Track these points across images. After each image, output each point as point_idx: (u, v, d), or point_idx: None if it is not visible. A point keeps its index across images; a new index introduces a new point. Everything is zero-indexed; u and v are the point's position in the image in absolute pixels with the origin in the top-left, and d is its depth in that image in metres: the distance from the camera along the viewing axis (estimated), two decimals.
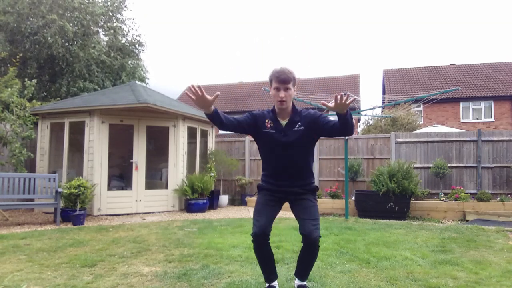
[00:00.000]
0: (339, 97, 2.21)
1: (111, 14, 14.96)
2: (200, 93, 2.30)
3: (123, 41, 15.71)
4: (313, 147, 2.79)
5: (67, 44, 12.90)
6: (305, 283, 2.87)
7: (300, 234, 2.60)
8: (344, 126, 2.40)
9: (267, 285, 2.83)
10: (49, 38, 11.70)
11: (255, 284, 3.16)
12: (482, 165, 8.96)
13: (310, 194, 2.75)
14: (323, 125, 2.57)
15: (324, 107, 2.36)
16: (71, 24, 12.44)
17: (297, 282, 2.88)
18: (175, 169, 8.78)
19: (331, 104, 2.28)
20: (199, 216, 7.96)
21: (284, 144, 2.64)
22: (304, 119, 2.66)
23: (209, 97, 2.34)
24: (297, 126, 2.64)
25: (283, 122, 2.68)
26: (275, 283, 2.83)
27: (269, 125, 2.67)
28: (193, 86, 2.27)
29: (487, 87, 20.88)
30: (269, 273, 2.79)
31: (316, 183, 10.85)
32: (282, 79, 2.55)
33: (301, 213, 2.65)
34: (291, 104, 2.69)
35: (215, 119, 2.50)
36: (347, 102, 2.23)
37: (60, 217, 6.79)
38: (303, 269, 2.80)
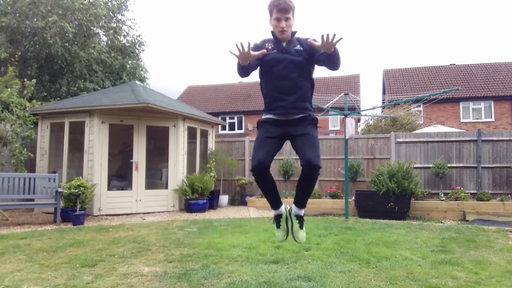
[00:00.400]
0: (325, 36, 2.28)
1: (112, 14, 14.97)
2: (246, 50, 2.40)
3: (123, 41, 15.71)
4: (311, 72, 2.78)
5: (67, 44, 12.90)
6: (302, 212, 2.81)
7: (301, 165, 2.58)
8: (330, 61, 2.50)
9: (275, 212, 2.80)
10: (49, 38, 11.70)
11: (255, 284, 3.16)
12: (482, 165, 8.96)
13: (311, 126, 2.71)
14: (317, 53, 2.61)
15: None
16: (71, 25, 12.43)
17: (295, 209, 2.82)
18: (175, 169, 8.77)
19: (318, 43, 2.35)
20: (199, 216, 7.96)
21: (284, 60, 2.63)
22: (303, 42, 2.68)
23: (253, 53, 2.46)
24: (297, 46, 2.67)
25: (284, 42, 2.71)
26: (282, 209, 2.81)
27: (269, 47, 2.69)
28: (240, 43, 2.38)
29: (487, 87, 20.88)
30: (273, 200, 2.77)
31: (316, 183, 10.85)
32: (282, 8, 2.59)
33: (302, 144, 2.64)
34: (291, 32, 2.73)
35: (245, 69, 2.59)
36: (334, 42, 2.30)
37: (60, 217, 6.79)
38: (301, 197, 2.76)
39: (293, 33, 2.73)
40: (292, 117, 2.66)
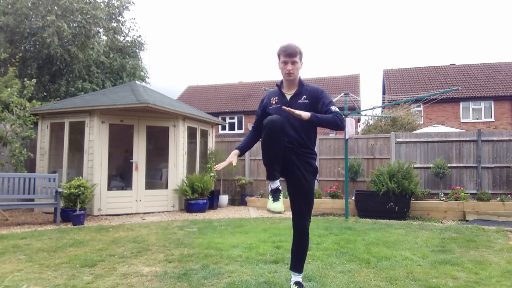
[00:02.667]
0: (287, 109, 2.48)
1: (112, 15, 14.96)
2: (229, 164, 2.72)
3: (123, 42, 15.70)
4: (315, 127, 2.78)
5: (67, 44, 12.89)
6: (300, 277, 2.90)
7: (292, 222, 2.69)
8: (326, 125, 2.59)
9: (272, 185, 2.67)
10: (47, 38, 11.69)
11: (255, 284, 3.16)
12: (482, 165, 8.96)
13: (310, 171, 2.75)
14: (319, 110, 2.66)
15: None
16: (70, 25, 12.43)
17: (293, 277, 2.92)
18: (175, 169, 8.78)
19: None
20: (199, 216, 7.96)
21: (287, 116, 2.63)
22: (309, 93, 2.73)
23: (235, 159, 2.76)
24: (302, 98, 2.72)
25: (288, 95, 2.76)
26: (277, 181, 2.69)
27: (274, 102, 2.78)
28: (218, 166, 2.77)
29: (487, 87, 20.87)
30: (275, 169, 2.63)
31: (316, 183, 10.82)
32: (289, 53, 2.68)
33: (294, 191, 2.69)
34: (298, 78, 2.79)
35: (249, 147, 2.93)
36: (294, 113, 2.46)
37: (60, 217, 6.79)
38: (297, 259, 2.86)
39: (302, 83, 2.77)
40: (295, 157, 2.71)
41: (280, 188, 2.70)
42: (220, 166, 2.78)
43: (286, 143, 2.65)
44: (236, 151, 2.81)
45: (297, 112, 2.47)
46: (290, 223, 2.75)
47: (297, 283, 2.88)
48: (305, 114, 2.47)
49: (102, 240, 5.17)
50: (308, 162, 2.74)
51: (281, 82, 2.83)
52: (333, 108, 2.61)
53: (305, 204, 2.66)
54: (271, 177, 2.65)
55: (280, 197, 2.66)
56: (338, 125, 2.55)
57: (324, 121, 2.54)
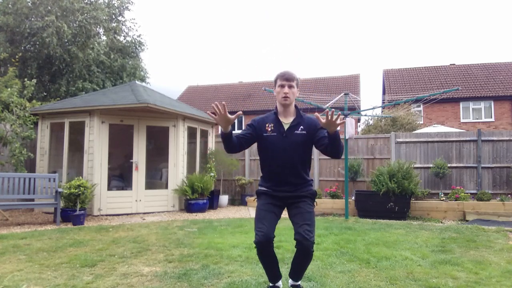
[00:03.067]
0: (330, 113, 2.29)
1: (112, 15, 14.96)
2: (223, 111, 2.38)
3: (123, 42, 15.71)
4: (311, 152, 2.80)
5: (67, 44, 12.89)
6: (299, 283, 2.89)
7: (294, 239, 2.58)
8: (332, 146, 2.48)
9: (271, 284, 2.85)
10: (47, 38, 11.69)
11: (255, 284, 3.16)
12: (482, 165, 8.96)
13: (309, 198, 2.74)
14: (318, 140, 2.62)
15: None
16: (70, 26, 12.43)
17: (291, 282, 2.90)
18: (175, 169, 8.78)
19: (323, 119, 2.38)
20: (199, 216, 7.96)
21: (284, 146, 2.65)
22: (306, 124, 2.70)
23: (230, 116, 2.41)
24: (299, 129, 2.68)
25: (286, 124, 2.70)
26: (279, 283, 2.87)
27: (269, 129, 2.70)
28: (217, 104, 2.37)
29: (487, 87, 20.87)
30: (273, 275, 2.81)
31: (316, 183, 10.83)
32: (286, 77, 2.67)
33: (296, 217, 2.64)
34: (293, 105, 2.75)
35: (228, 140, 2.56)
36: (337, 122, 2.32)
37: (60, 217, 6.79)
38: (297, 271, 2.82)
39: (299, 112, 2.75)
40: (293, 195, 2.71)
41: (279, 286, 2.84)
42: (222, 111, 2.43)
43: (285, 186, 2.68)
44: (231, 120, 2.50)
45: (339, 121, 2.34)
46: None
47: (294, 286, 2.86)
48: (340, 123, 2.37)
49: (102, 240, 5.17)
50: (307, 195, 2.74)
51: (276, 109, 2.76)
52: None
53: (308, 225, 2.58)
54: (270, 279, 2.83)
55: None
56: (341, 152, 2.55)
57: (339, 144, 2.48)
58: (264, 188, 2.77)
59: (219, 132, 2.76)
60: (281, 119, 2.72)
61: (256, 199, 2.86)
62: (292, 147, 2.65)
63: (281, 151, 2.65)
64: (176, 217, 7.66)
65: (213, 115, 2.42)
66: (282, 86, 2.66)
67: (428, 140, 9.42)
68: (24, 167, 8.00)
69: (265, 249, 2.57)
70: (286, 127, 2.69)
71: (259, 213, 2.68)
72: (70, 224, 6.69)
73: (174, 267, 3.75)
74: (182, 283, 3.25)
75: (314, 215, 2.70)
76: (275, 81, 2.72)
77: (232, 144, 2.57)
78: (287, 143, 2.65)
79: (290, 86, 2.66)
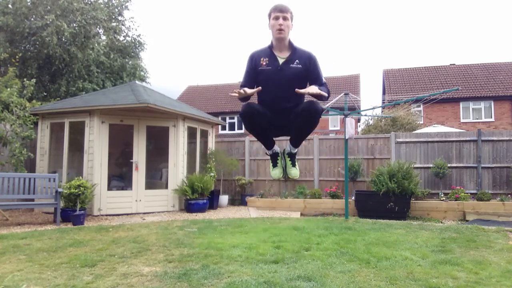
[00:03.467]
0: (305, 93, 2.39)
1: (111, 15, 14.95)
2: (244, 93, 2.45)
3: (123, 42, 15.70)
4: (305, 87, 2.75)
5: (66, 44, 12.89)
6: (295, 150, 2.86)
7: (300, 110, 2.57)
8: (320, 99, 2.54)
9: (269, 152, 2.85)
10: (46, 38, 11.69)
11: (255, 284, 3.16)
12: (482, 165, 8.96)
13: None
14: (312, 79, 2.65)
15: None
16: (70, 25, 12.42)
17: (288, 148, 2.86)
18: (175, 169, 8.77)
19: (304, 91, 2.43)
20: (199, 216, 7.96)
21: (279, 80, 2.61)
22: (302, 58, 2.67)
23: (250, 91, 2.47)
24: (295, 63, 2.65)
25: (281, 58, 2.67)
26: (275, 147, 2.86)
27: (264, 63, 2.67)
28: (237, 90, 2.44)
29: (487, 87, 20.87)
30: (267, 142, 2.81)
31: (316, 183, 10.81)
32: (280, 8, 2.63)
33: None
34: (288, 38, 2.70)
35: (247, 99, 2.61)
36: (313, 92, 2.40)
37: (60, 217, 6.78)
38: (298, 137, 2.79)
39: (293, 47, 2.70)
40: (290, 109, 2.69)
41: (277, 151, 2.83)
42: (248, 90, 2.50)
43: (281, 104, 2.66)
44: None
45: (311, 91, 2.41)
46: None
47: (290, 154, 2.85)
48: (316, 91, 2.41)
49: (102, 240, 5.17)
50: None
51: (271, 44, 2.72)
52: (324, 80, 2.66)
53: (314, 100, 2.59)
54: (266, 147, 2.85)
55: (277, 163, 2.80)
56: (327, 98, 2.57)
57: (323, 95, 2.50)
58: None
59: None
60: (276, 53, 2.68)
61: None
62: (287, 81, 2.61)
63: (277, 86, 2.63)
64: (176, 217, 7.66)
65: (234, 95, 2.48)
66: (277, 18, 2.62)
67: (428, 140, 9.42)
68: (24, 167, 7.99)
69: (251, 113, 2.55)
70: (281, 61, 2.66)
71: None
72: (70, 224, 6.69)
73: (174, 267, 3.75)
74: (182, 283, 3.25)
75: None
76: (269, 14, 2.68)
77: (247, 100, 2.61)
78: (282, 76, 2.62)
79: (285, 18, 2.62)
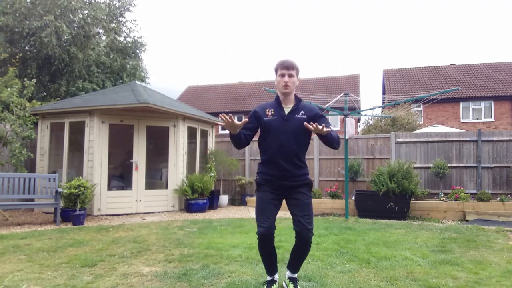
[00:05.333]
0: (313, 127, 2.47)
1: (112, 16, 14.94)
2: (230, 120, 2.52)
3: (124, 42, 15.69)
4: (309, 140, 2.90)
5: (66, 44, 12.88)
6: (295, 275, 2.96)
7: (293, 230, 2.70)
8: (326, 142, 2.68)
9: (269, 278, 2.93)
10: (45, 38, 11.68)
11: (255, 284, 3.16)
12: (482, 165, 8.96)
13: (306, 188, 2.83)
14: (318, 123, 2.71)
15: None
16: (70, 26, 12.41)
17: (288, 274, 2.97)
18: (175, 169, 8.78)
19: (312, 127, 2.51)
20: (199, 216, 7.96)
21: (285, 129, 2.74)
22: (306, 110, 2.82)
23: (237, 122, 2.56)
24: (300, 114, 2.79)
25: (286, 109, 2.82)
26: (276, 276, 2.96)
27: (270, 113, 2.81)
28: (223, 115, 2.48)
29: (487, 87, 20.87)
30: (272, 267, 2.91)
31: (316, 183, 10.83)
32: (286, 66, 2.78)
33: (295, 208, 2.74)
34: (293, 93, 2.86)
35: (238, 140, 2.70)
36: (324, 130, 2.48)
37: (60, 217, 6.79)
38: (295, 263, 2.92)
39: (299, 100, 2.86)
40: (290, 184, 2.78)
41: (276, 279, 2.93)
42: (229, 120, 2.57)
43: (284, 171, 2.75)
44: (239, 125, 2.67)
45: (321, 130, 2.49)
46: (290, 223, 2.75)
47: (291, 278, 2.93)
48: (325, 129, 2.52)
49: (102, 240, 5.17)
50: (305, 183, 2.83)
51: (278, 97, 2.87)
52: (333, 129, 2.73)
53: (306, 217, 2.70)
54: (268, 272, 2.92)
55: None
56: (338, 144, 2.72)
57: (334, 138, 2.67)
58: (263, 177, 2.83)
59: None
60: (282, 104, 2.84)
61: (256, 191, 2.92)
62: (292, 130, 2.74)
63: (282, 134, 2.74)
64: (176, 217, 7.66)
65: (221, 124, 2.57)
66: (283, 75, 2.78)
67: (428, 140, 9.42)
68: (24, 167, 8.00)
69: (267, 241, 2.70)
70: (287, 111, 2.81)
71: (260, 204, 2.77)
72: (70, 224, 6.69)
73: (174, 267, 3.75)
74: (182, 283, 3.25)
75: (312, 205, 2.80)
76: (276, 70, 2.83)
77: (240, 142, 2.72)
78: (288, 126, 2.75)
79: (290, 75, 2.78)
